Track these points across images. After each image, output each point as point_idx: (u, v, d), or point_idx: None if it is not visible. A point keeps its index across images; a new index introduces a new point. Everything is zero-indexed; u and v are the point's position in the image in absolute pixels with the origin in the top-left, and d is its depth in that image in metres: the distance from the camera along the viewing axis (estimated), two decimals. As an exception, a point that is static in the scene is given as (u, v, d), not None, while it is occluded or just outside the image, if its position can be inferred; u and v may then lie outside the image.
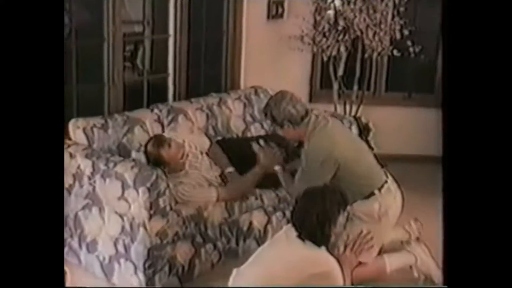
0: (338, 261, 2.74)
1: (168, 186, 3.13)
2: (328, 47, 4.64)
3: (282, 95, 3.12)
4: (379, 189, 3.06)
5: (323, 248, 2.69)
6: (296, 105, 3.05)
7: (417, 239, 3.27)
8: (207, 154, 3.72)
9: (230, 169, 3.62)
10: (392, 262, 3.15)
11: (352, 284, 2.89)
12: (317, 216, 2.63)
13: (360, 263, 3.00)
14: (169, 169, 3.43)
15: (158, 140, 3.51)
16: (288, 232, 2.75)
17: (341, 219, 2.70)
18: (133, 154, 3.51)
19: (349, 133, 3.58)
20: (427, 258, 3.18)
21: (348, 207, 2.83)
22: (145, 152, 3.51)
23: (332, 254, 2.74)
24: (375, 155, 3.30)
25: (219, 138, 4.03)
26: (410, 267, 3.19)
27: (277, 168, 3.34)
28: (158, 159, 3.43)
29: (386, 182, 3.11)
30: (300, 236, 2.68)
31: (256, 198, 3.63)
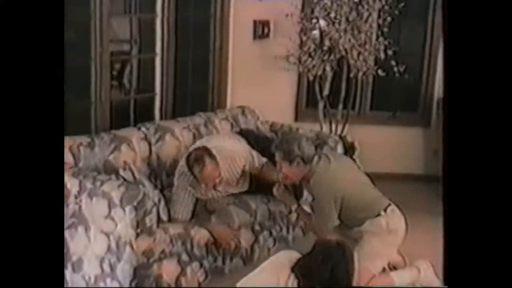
0: None
1: (154, 204, 3.13)
2: (313, 66, 4.69)
3: (297, 133, 3.27)
4: (385, 210, 3.30)
5: None
6: (310, 145, 3.31)
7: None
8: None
9: None
10: (400, 278, 3.34)
11: None
12: (332, 269, 2.55)
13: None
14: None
15: (196, 156, 3.37)
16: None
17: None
18: (121, 172, 3.48)
19: (351, 168, 3.57)
20: (431, 275, 3.39)
21: (357, 228, 3.23)
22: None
23: None
24: (373, 182, 3.49)
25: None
26: None
27: (294, 207, 3.59)
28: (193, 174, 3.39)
29: (390, 204, 3.34)
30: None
31: (251, 216, 3.66)
